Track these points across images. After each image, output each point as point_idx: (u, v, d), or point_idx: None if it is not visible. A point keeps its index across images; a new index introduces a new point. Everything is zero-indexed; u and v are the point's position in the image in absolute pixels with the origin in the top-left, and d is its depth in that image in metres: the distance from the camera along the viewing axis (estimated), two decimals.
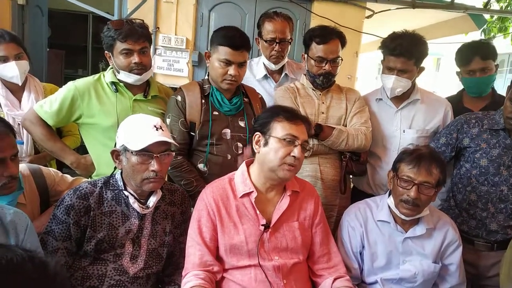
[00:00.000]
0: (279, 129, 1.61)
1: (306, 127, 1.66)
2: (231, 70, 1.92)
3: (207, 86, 2.04)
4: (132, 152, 1.53)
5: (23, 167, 1.69)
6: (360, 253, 1.85)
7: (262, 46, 2.53)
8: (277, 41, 2.44)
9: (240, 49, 1.93)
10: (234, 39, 1.92)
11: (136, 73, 1.96)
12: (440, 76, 12.90)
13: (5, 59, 2.13)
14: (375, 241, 1.82)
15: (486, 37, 5.20)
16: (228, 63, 1.93)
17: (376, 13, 4.04)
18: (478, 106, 2.39)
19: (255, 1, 3.94)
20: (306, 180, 1.94)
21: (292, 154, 1.59)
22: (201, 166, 2.00)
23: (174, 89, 2.18)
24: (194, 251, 1.61)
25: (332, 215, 2.18)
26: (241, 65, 1.97)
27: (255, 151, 1.69)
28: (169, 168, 1.90)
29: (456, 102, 2.44)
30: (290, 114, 1.64)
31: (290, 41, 2.52)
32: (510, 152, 1.96)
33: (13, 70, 2.14)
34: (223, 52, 1.92)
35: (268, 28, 2.45)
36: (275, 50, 2.46)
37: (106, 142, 1.94)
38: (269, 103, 2.25)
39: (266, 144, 1.63)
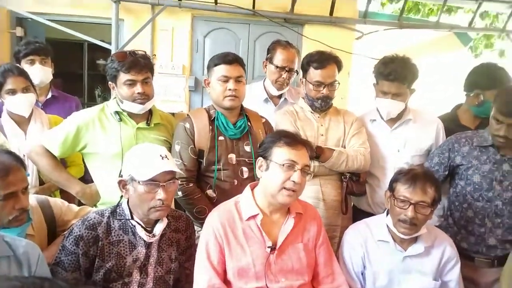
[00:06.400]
0: (279, 154, 1.66)
1: (307, 151, 1.71)
2: (230, 85, 2.02)
3: (212, 111, 2.11)
4: (139, 182, 1.58)
5: (31, 198, 1.72)
6: (362, 273, 1.88)
7: (269, 69, 2.68)
8: (286, 69, 2.60)
9: (233, 63, 2.05)
10: (227, 56, 2.06)
11: (140, 103, 2.02)
12: None
13: (13, 92, 2.19)
14: (376, 261, 1.86)
15: (473, 54, 5.37)
16: (226, 79, 2.02)
17: (365, 34, 4.17)
18: (475, 123, 2.46)
19: (248, 26, 4.05)
20: (308, 202, 1.99)
21: (291, 179, 1.63)
22: (209, 192, 2.04)
23: (172, 114, 2.24)
24: (202, 275, 1.65)
25: (335, 235, 2.22)
26: (238, 80, 2.05)
27: (258, 176, 1.75)
28: (181, 195, 1.97)
29: (452, 120, 2.51)
30: (290, 139, 1.69)
31: (296, 71, 2.67)
32: (500, 167, 2.03)
33: (20, 103, 2.20)
34: (219, 70, 2.04)
35: (281, 56, 2.62)
36: (283, 77, 2.61)
37: (111, 171, 1.96)
38: None
39: (267, 169, 1.69)
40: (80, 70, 5.90)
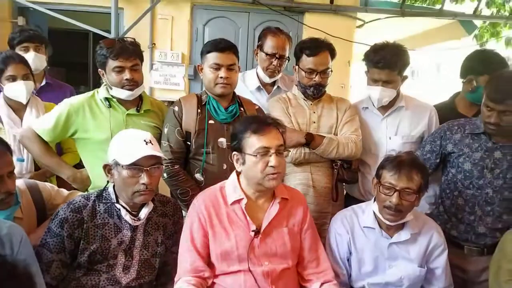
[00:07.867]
0: (250, 144, 1.65)
1: (278, 130, 1.69)
2: (222, 73, 2.04)
3: (204, 96, 2.13)
4: (122, 166, 1.60)
5: (20, 182, 1.76)
6: (348, 259, 1.89)
7: (260, 57, 2.65)
8: (277, 56, 2.57)
9: (226, 51, 2.05)
10: (220, 44, 2.07)
11: (128, 89, 2.04)
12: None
13: (13, 78, 2.23)
14: (361, 247, 1.86)
15: (478, 42, 5.27)
16: (217, 67, 2.04)
17: (367, 22, 4.13)
18: (472, 110, 2.42)
19: (248, 14, 4.04)
20: (298, 188, 2.01)
21: (269, 164, 1.63)
22: (198, 175, 2.06)
23: (171, 103, 2.26)
24: (186, 257, 1.67)
25: (325, 222, 2.21)
26: (230, 68, 2.06)
27: (238, 170, 1.74)
28: (166, 176, 1.99)
29: (449, 108, 2.47)
30: (256, 126, 1.67)
31: (288, 58, 2.64)
32: (491, 155, 2.01)
33: (20, 89, 2.24)
34: (211, 57, 2.05)
35: (270, 43, 2.58)
36: (273, 64, 2.59)
37: (100, 156, 1.97)
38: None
39: (244, 162, 1.69)
40: (86, 59, 5.97)
